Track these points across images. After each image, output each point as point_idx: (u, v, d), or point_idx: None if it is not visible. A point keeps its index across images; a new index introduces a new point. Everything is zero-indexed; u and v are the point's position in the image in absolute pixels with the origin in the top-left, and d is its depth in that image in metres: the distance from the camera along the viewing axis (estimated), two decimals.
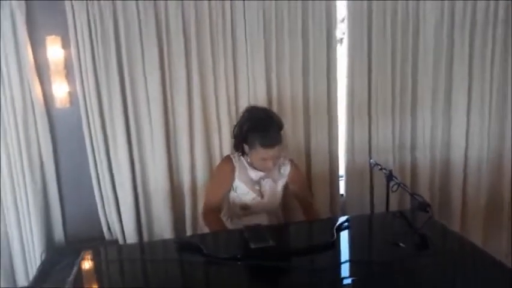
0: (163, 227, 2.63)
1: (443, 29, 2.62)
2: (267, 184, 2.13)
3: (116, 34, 2.40)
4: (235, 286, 1.44)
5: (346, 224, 1.75)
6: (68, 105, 2.52)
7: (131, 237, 2.59)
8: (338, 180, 2.81)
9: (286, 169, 2.18)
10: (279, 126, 2.01)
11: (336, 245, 1.59)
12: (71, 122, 2.53)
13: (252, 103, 2.45)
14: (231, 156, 2.17)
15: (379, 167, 2.21)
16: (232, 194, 2.16)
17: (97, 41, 2.39)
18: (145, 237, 2.64)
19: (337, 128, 2.71)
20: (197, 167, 2.60)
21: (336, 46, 2.61)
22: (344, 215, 2.72)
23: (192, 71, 2.49)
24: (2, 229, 2.53)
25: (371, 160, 2.40)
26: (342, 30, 2.76)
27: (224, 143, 2.59)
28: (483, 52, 2.68)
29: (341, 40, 2.78)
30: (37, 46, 2.42)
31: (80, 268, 1.58)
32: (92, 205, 2.61)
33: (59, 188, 2.58)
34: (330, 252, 1.56)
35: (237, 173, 2.11)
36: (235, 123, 2.14)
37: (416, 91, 2.70)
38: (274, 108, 2.55)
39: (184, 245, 1.62)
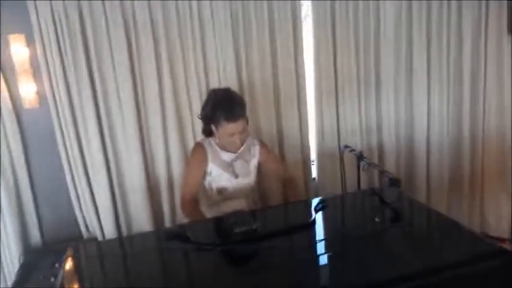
0: (141, 223, 2.65)
1: (402, 12, 2.75)
2: (239, 164, 2.23)
3: (82, 30, 2.38)
4: (222, 270, 1.50)
5: (322, 204, 1.84)
6: (37, 105, 2.47)
7: (110, 235, 2.58)
8: (310, 165, 2.91)
9: (256, 149, 2.29)
10: (241, 102, 2.13)
11: (314, 224, 1.68)
12: (41, 123, 2.49)
13: None
14: (201, 142, 2.25)
15: (349, 149, 2.32)
16: (208, 179, 2.22)
17: (63, 38, 2.35)
18: (124, 234, 2.65)
19: (307, 114, 2.81)
20: (172, 161, 2.63)
21: (302, 36, 2.68)
22: (317, 197, 2.83)
23: (162, 66, 2.51)
24: None
25: (340, 144, 2.50)
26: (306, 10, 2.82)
27: (198, 136, 2.63)
28: (439, 34, 2.83)
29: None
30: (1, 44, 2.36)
31: (67, 264, 1.59)
32: (67, 205, 2.60)
33: (32, 190, 2.54)
34: (309, 231, 1.64)
35: (209, 157, 2.19)
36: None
37: (379, 75, 2.84)
38: (246, 96, 2.61)
39: (171, 235, 1.66)
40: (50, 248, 2.54)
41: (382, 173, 1.92)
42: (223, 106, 2.07)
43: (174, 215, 2.69)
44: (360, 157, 2.18)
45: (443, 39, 2.83)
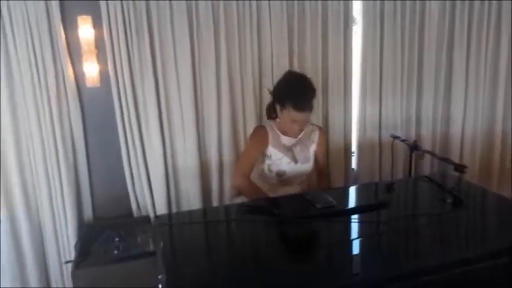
0: (191, 202, 2.75)
1: (446, 14, 2.88)
2: (299, 149, 2.28)
3: (148, 15, 2.47)
4: (306, 240, 1.61)
5: (393, 186, 1.96)
6: (98, 84, 2.56)
7: (162, 213, 2.68)
8: (350, 155, 3.03)
9: (316, 135, 2.35)
10: (313, 94, 2.15)
11: (389, 203, 1.80)
12: (100, 101, 2.58)
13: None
14: (263, 124, 2.31)
15: (400, 139, 2.44)
16: (268, 162, 2.27)
17: (129, 21, 2.44)
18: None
19: (351, 106, 2.93)
20: (223, 146, 2.74)
21: (352, 34, 2.81)
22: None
23: (220, 55, 2.61)
24: (33, 205, 2.55)
25: (391, 134, 2.62)
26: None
27: (248, 122, 2.75)
28: (479, 36, 2.97)
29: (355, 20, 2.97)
30: (68, 26, 2.44)
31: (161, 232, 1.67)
32: (120, 183, 2.68)
33: (88, 165, 2.63)
34: (385, 209, 1.77)
35: (270, 140, 2.23)
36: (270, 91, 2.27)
37: (421, 72, 2.96)
38: None
39: (255, 208, 1.77)
40: (101, 224, 2.63)
41: (445, 159, 2.04)
42: (295, 92, 2.09)
43: (222, 197, 2.79)
44: (414, 146, 2.30)
45: (483, 41, 2.98)
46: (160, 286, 1.31)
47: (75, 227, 2.57)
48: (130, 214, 2.74)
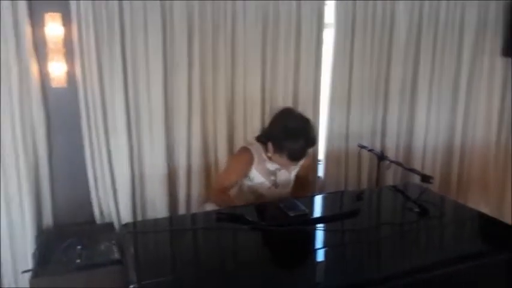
0: (157, 209, 2.69)
1: (412, 33, 3.00)
2: (282, 174, 2.23)
3: (120, 14, 2.40)
4: (279, 248, 1.61)
5: (361, 196, 2.00)
6: (64, 85, 2.47)
7: (126, 220, 2.59)
8: (317, 164, 3.08)
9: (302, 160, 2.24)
10: (312, 143, 2.05)
11: (360, 212, 1.83)
12: (66, 102, 2.49)
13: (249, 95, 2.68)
14: (249, 147, 2.21)
15: (368, 149, 2.50)
16: (248, 183, 2.23)
17: (101, 20, 2.37)
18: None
19: (320, 115, 2.97)
20: (193, 151, 2.70)
21: (323, 44, 2.86)
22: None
23: (193, 59, 2.58)
24: None
25: (359, 143, 2.67)
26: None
27: (219, 129, 2.73)
28: (442, 54, 3.10)
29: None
30: (36, 23, 2.34)
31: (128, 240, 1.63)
32: (83, 188, 2.59)
33: (50, 169, 2.52)
34: (356, 218, 1.80)
35: (254, 164, 2.16)
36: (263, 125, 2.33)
37: (388, 87, 3.05)
38: (267, 97, 2.75)
39: (229, 216, 1.75)
40: (61, 231, 2.51)
41: (412, 170, 2.10)
42: (295, 142, 1.95)
43: (189, 204, 2.74)
44: (381, 156, 2.36)
45: (445, 58, 3.11)
46: None
47: (33, 235, 2.45)
48: (93, 221, 2.64)
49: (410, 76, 3.09)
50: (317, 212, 1.94)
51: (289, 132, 1.99)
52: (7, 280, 2.48)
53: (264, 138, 2.17)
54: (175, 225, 1.80)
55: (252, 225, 1.67)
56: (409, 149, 3.21)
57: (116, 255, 2.22)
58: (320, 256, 1.54)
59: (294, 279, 1.39)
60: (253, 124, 2.78)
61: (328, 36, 2.90)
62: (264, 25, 2.69)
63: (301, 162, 2.11)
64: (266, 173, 2.20)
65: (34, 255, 2.32)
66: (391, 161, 2.27)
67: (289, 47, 2.76)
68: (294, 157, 1.99)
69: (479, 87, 3.23)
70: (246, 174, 2.20)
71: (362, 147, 2.59)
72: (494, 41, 3.17)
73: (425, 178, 1.97)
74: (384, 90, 3.06)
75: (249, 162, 2.17)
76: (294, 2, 2.69)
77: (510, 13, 3.09)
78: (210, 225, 1.72)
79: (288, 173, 2.27)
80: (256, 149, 2.19)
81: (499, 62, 3.22)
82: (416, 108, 3.15)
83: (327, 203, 2.15)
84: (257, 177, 2.20)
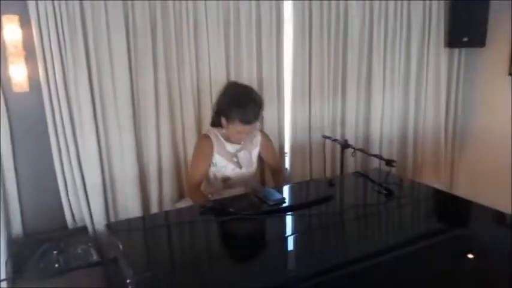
0: (129, 210, 2.69)
1: (365, 26, 3.17)
2: (243, 155, 2.37)
3: (81, 13, 2.38)
4: (263, 234, 1.71)
5: (332, 183, 2.13)
6: (27, 89, 2.41)
7: (100, 223, 2.58)
8: (284, 156, 3.19)
9: (257, 139, 2.45)
10: (260, 105, 2.21)
11: (333, 197, 1.96)
12: (29, 107, 2.43)
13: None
14: (208, 133, 2.35)
15: (332, 139, 2.64)
16: (213, 169, 2.35)
17: (61, 20, 2.33)
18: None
19: (284, 109, 3.08)
20: (162, 152, 2.72)
21: (283, 42, 2.95)
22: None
23: (158, 58, 2.60)
24: None
25: (323, 134, 2.81)
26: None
27: (187, 125, 2.77)
28: (393, 47, 3.30)
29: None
30: None
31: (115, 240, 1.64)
32: (52, 194, 2.54)
33: (16, 176, 2.46)
34: (330, 202, 1.92)
35: (215, 149, 2.30)
36: (215, 99, 2.34)
37: (345, 78, 3.21)
38: None
39: (211, 208, 1.81)
40: (32, 239, 2.46)
41: (376, 156, 2.26)
42: (241, 106, 2.11)
43: (161, 204, 2.77)
44: (345, 145, 2.51)
45: (396, 50, 3.31)
46: None
47: (3, 244, 2.38)
48: (65, 226, 2.60)
49: (365, 69, 3.26)
50: (294, 199, 2.03)
51: (234, 99, 2.17)
52: None
53: (215, 118, 2.33)
54: (160, 222, 1.84)
55: (235, 215, 1.73)
56: (367, 137, 3.39)
57: (95, 257, 2.22)
58: (303, 239, 1.64)
59: (282, 261, 1.48)
60: None
61: (287, 39, 3.00)
62: (226, 24, 2.74)
63: (253, 128, 2.23)
64: (227, 156, 2.33)
65: (7, 263, 2.26)
66: (355, 149, 2.42)
67: (251, 45, 2.84)
68: (245, 119, 2.13)
69: (428, 76, 3.47)
70: (210, 159, 2.31)
71: (326, 137, 2.73)
72: (438, 35, 3.41)
73: (389, 162, 2.12)
74: (341, 84, 3.21)
75: (210, 147, 2.30)
76: (254, 2, 2.77)
77: (451, 9, 3.34)
78: (196, 219, 1.77)
79: (249, 154, 2.42)
80: (214, 133, 2.33)
81: (443, 53, 3.47)
82: (372, 99, 3.33)
83: (301, 191, 2.26)
84: (220, 160, 2.32)
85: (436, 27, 3.40)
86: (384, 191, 2.00)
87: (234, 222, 1.73)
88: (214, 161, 2.33)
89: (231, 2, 2.72)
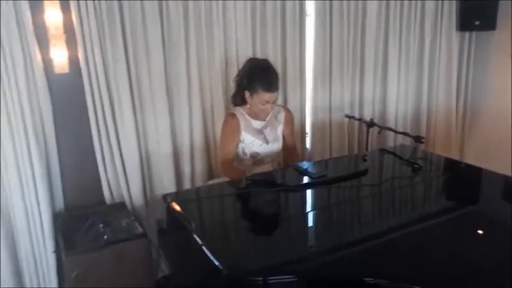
0: (164, 186, 2.82)
1: (382, 13, 3.29)
2: (269, 131, 2.48)
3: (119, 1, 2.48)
4: (319, 203, 1.86)
5: (365, 158, 2.27)
6: (67, 70, 2.51)
7: (138, 199, 2.72)
8: (305, 136, 3.33)
9: (282, 115, 2.56)
10: (277, 74, 2.39)
11: (368, 171, 2.11)
12: (69, 87, 2.53)
13: None
14: (234, 112, 2.46)
15: (356, 118, 2.78)
16: (241, 146, 2.47)
17: (100, 7, 2.43)
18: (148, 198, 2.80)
19: (305, 91, 3.21)
20: (194, 130, 2.84)
21: (305, 27, 3.08)
22: None
23: (189, 43, 2.70)
24: (2, 197, 2.43)
25: (346, 114, 2.95)
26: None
27: (216, 108, 2.88)
28: (408, 30, 3.43)
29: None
30: (35, 10, 2.35)
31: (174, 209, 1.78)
32: (91, 170, 2.66)
33: (59, 153, 2.57)
34: (368, 175, 2.07)
35: (242, 126, 2.42)
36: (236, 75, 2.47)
37: (363, 61, 3.34)
38: None
39: (258, 181, 1.95)
40: (72, 214, 2.60)
41: (404, 133, 2.40)
42: (262, 75, 2.28)
43: (193, 180, 2.90)
44: (370, 124, 2.65)
45: (411, 33, 3.45)
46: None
47: (49, 218, 2.51)
48: (103, 202, 2.73)
49: (381, 52, 3.39)
50: (333, 173, 2.17)
51: (254, 69, 2.34)
52: (26, 263, 2.53)
53: (238, 95, 2.45)
54: (210, 194, 1.97)
55: (284, 187, 1.88)
56: (383, 117, 3.53)
57: (140, 230, 2.36)
58: (354, 207, 1.80)
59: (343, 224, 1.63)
60: None
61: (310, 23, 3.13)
62: (252, 7, 2.85)
63: (275, 96, 2.35)
64: (254, 132, 2.45)
65: (57, 236, 2.40)
66: (382, 127, 2.56)
67: (276, 28, 2.95)
68: (268, 86, 2.28)
69: (440, 58, 3.61)
70: (238, 137, 2.42)
71: (349, 117, 2.86)
72: (449, 19, 3.55)
73: (418, 139, 2.27)
74: (359, 67, 3.34)
75: (237, 125, 2.42)
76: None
77: None
78: (246, 190, 1.91)
79: (275, 129, 2.53)
80: (239, 111, 2.44)
81: (455, 36, 3.61)
82: (388, 80, 3.46)
83: (337, 166, 2.40)
84: (247, 137, 2.44)
85: (448, 11, 3.53)
86: (416, 165, 2.15)
87: (285, 194, 1.87)
88: (242, 138, 2.44)
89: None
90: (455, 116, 3.79)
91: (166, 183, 2.82)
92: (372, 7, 3.23)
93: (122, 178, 2.67)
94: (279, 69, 2.97)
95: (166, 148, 2.77)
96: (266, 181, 1.93)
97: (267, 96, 2.32)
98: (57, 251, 2.51)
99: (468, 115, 3.91)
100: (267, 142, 2.49)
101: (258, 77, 2.31)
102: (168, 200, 1.86)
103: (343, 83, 3.30)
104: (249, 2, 2.82)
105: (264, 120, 2.49)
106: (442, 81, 3.68)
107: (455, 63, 3.65)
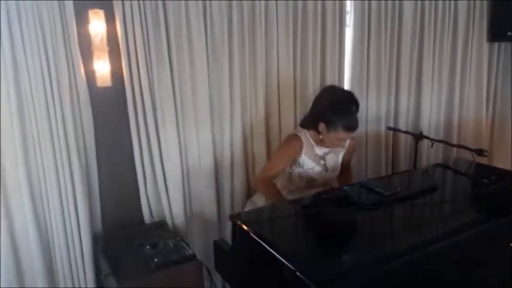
0: (203, 203, 2.71)
1: (417, 22, 3.25)
2: (330, 158, 2.36)
3: (164, 13, 2.38)
4: (384, 223, 1.78)
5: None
6: (109, 84, 2.39)
7: (179, 217, 2.60)
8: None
9: (347, 142, 2.38)
10: (358, 109, 2.19)
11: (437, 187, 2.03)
12: (111, 101, 2.42)
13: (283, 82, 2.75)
14: (298, 134, 2.33)
15: (403, 131, 2.71)
16: (298, 169, 2.34)
17: (146, 19, 2.33)
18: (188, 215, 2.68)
19: None
20: (235, 144, 2.74)
21: (345, 38, 3.02)
22: None
23: (233, 57, 2.61)
24: (41, 215, 2.29)
25: (387, 126, 2.87)
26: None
27: (256, 123, 2.80)
28: (441, 41, 3.40)
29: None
30: (79, 21, 2.24)
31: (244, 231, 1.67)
32: (130, 189, 2.54)
33: (99, 172, 2.45)
34: (437, 192, 1.99)
35: (304, 150, 2.28)
36: (312, 100, 2.34)
37: (399, 72, 3.29)
38: (298, 84, 2.87)
39: (330, 200, 1.86)
40: (111, 234, 2.47)
41: (462, 146, 2.34)
42: (347, 115, 2.08)
43: (233, 197, 2.80)
44: (419, 136, 2.58)
45: (444, 47, 3.42)
46: None
47: (89, 241, 2.37)
48: (141, 221, 2.60)
49: (416, 63, 3.36)
50: (404, 189, 2.08)
51: (339, 105, 2.12)
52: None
53: (311, 121, 2.27)
54: (281, 213, 1.88)
55: (358, 205, 1.79)
56: (416, 127, 3.47)
57: (190, 251, 2.24)
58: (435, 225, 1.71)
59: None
60: (286, 115, 2.89)
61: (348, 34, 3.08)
62: (294, 23, 2.78)
63: (349, 141, 2.25)
64: (315, 158, 2.32)
65: (98, 260, 2.27)
66: (435, 140, 2.49)
67: (316, 42, 2.89)
68: (350, 127, 2.12)
69: (472, 70, 3.59)
70: (293, 159, 2.30)
71: (391, 129, 2.79)
72: (481, 30, 3.54)
73: (480, 152, 2.21)
74: (395, 78, 3.29)
75: (299, 148, 2.27)
76: (319, 2, 2.82)
77: (492, 6, 3.47)
78: (318, 209, 1.82)
79: (336, 157, 2.40)
80: (304, 134, 2.30)
81: (485, 47, 3.60)
82: (422, 91, 3.41)
83: (403, 182, 2.29)
84: (307, 162, 2.31)
85: (478, 23, 3.52)
86: (484, 180, 2.07)
87: (357, 213, 1.78)
88: (301, 162, 2.31)
89: (299, 2, 2.76)
90: (485, 125, 3.77)
91: (206, 200, 2.70)
92: (408, 19, 3.19)
93: (163, 195, 2.56)
94: (317, 81, 2.93)
95: (207, 163, 2.67)
96: (338, 199, 1.84)
97: (346, 136, 2.18)
98: (99, 277, 2.37)
99: (497, 125, 3.88)
100: (326, 170, 2.37)
101: (341, 115, 2.10)
102: (238, 221, 1.75)
103: (379, 95, 3.24)
104: (291, 15, 2.75)
105: (328, 147, 2.33)
106: (472, 92, 3.66)
107: (485, 73, 3.65)
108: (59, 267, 2.37)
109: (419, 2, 3.21)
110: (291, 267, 1.36)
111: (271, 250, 1.48)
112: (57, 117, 2.21)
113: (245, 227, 1.68)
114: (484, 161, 3.65)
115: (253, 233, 1.61)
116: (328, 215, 1.76)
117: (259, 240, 1.56)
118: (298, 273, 1.32)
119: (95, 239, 2.42)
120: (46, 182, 2.26)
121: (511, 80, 3.76)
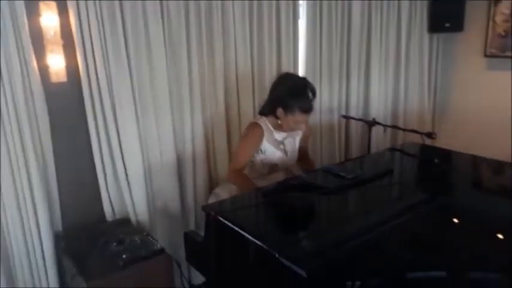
0: (166, 198, 2.70)
1: (365, 17, 3.41)
2: (289, 143, 2.46)
3: (120, 5, 2.33)
4: (347, 205, 1.88)
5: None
6: (64, 79, 2.31)
7: (143, 213, 2.56)
8: None
9: (302, 126, 2.50)
10: (314, 94, 2.30)
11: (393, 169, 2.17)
12: (67, 97, 2.33)
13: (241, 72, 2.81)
14: (258, 122, 2.40)
15: (356, 118, 2.85)
16: (260, 156, 2.41)
17: (101, 9, 2.26)
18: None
19: None
20: (196, 138, 2.75)
21: (298, 31, 3.13)
22: None
23: (191, 50, 2.61)
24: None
25: (342, 114, 3.00)
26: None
27: (216, 115, 2.83)
28: (387, 33, 3.59)
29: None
30: (31, 12, 2.14)
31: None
32: (89, 187, 2.48)
33: (57, 170, 2.35)
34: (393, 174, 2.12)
35: (265, 137, 2.36)
36: (270, 87, 2.41)
37: (349, 64, 3.45)
38: (255, 75, 2.93)
39: (293, 186, 1.92)
40: (71, 234, 2.40)
41: (413, 131, 2.49)
42: (301, 96, 2.20)
43: (195, 191, 2.80)
44: (372, 123, 2.72)
45: (389, 38, 3.61)
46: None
47: (50, 238, 2.29)
48: (103, 220, 2.53)
49: (364, 57, 3.53)
50: (364, 173, 2.17)
51: (293, 89, 2.25)
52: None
53: (269, 107, 2.37)
54: (253, 201, 1.92)
55: (324, 191, 1.87)
56: (365, 115, 3.64)
57: (158, 245, 2.22)
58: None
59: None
60: (245, 105, 2.93)
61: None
62: (250, 14, 2.83)
63: (309, 117, 2.34)
64: (276, 144, 2.41)
65: (62, 260, 2.19)
66: (386, 126, 2.64)
67: (272, 34, 2.96)
68: (306, 109, 2.24)
69: (415, 60, 3.81)
70: (258, 147, 2.37)
71: (346, 117, 2.92)
72: (422, 22, 3.77)
73: (429, 135, 2.37)
74: (345, 69, 3.44)
75: (261, 135, 2.36)
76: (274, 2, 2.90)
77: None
78: (287, 195, 1.88)
79: (294, 141, 2.51)
80: (263, 122, 2.39)
81: (426, 37, 3.84)
82: (370, 81, 3.59)
83: (362, 166, 2.40)
84: (269, 148, 2.40)
85: (420, 15, 3.74)
86: (436, 161, 2.24)
87: (322, 197, 1.86)
88: (263, 148, 2.38)
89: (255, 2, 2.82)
90: (427, 112, 4.00)
91: (169, 195, 2.69)
92: (356, 15, 3.35)
93: (126, 192, 2.51)
94: (273, 70, 2.99)
95: (169, 158, 2.65)
96: (305, 185, 1.91)
97: (302, 117, 2.27)
98: (63, 277, 2.30)
99: (437, 113, 4.14)
100: (286, 154, 2.46)
101: (297, 98, 2.23)
102: (212, 212, 1.77)
103: (332, 86, 3.37)
104: (246, 2, 2.78)
105: (286, 132, 2.43)
106: (416, 80, 3.88)
107: (426, 63, 3.88)
108: (17, 268, 2.26)
109: (366, 2, 3.38)
110: (271, 250, 1.41)
111: (248, 236, 1.52)
112: (11, 115, 2.10)
113: (220, 217, 1.70)
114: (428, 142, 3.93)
115: (229, 221, 1.64)
116: (301, 199, 1.83)
117: (236, 229, 1.59)
118: (277, 255, 1.37)
119: (57, 239, 2.34)
120: (1, 182, 2.14)
121: (449, 68, 4.02)
